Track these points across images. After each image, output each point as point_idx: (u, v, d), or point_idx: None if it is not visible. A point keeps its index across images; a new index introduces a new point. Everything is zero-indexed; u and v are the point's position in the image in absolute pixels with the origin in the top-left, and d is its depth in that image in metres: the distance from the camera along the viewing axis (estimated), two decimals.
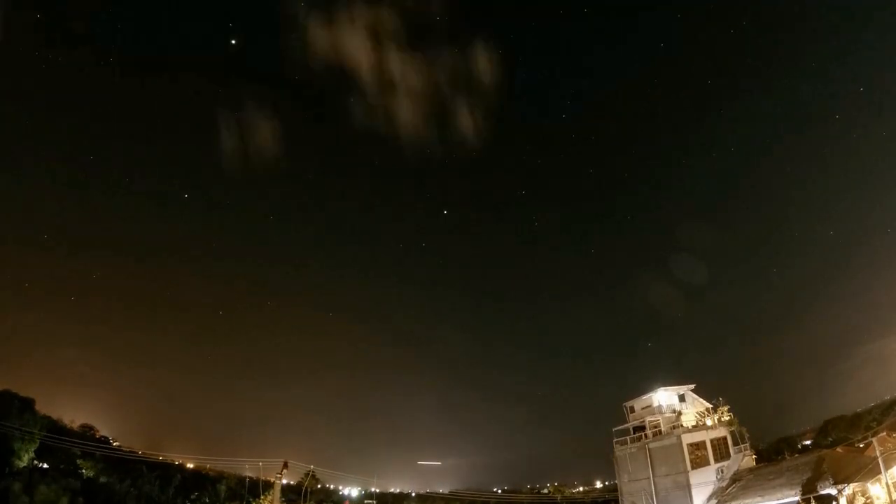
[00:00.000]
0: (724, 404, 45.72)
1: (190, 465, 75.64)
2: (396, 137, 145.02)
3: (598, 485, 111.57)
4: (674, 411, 46.68)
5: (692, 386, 49.09)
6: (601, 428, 56.94)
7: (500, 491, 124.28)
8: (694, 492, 40.59)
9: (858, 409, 78.06)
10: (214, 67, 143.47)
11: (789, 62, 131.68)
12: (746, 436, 44.21)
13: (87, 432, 75.12)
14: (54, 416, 68.52)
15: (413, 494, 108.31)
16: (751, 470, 41.47)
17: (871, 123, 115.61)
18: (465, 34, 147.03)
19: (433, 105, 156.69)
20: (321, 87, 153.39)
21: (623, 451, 48.62)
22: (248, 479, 72.55)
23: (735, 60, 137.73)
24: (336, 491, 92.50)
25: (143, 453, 70.29)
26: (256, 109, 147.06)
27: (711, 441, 42.89)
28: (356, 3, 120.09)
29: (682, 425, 44.14)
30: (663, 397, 48.25)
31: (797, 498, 32.33)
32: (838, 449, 39.62)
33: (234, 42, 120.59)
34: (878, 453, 30.19)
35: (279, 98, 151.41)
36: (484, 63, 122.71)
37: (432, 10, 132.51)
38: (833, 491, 30.96)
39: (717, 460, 42.23)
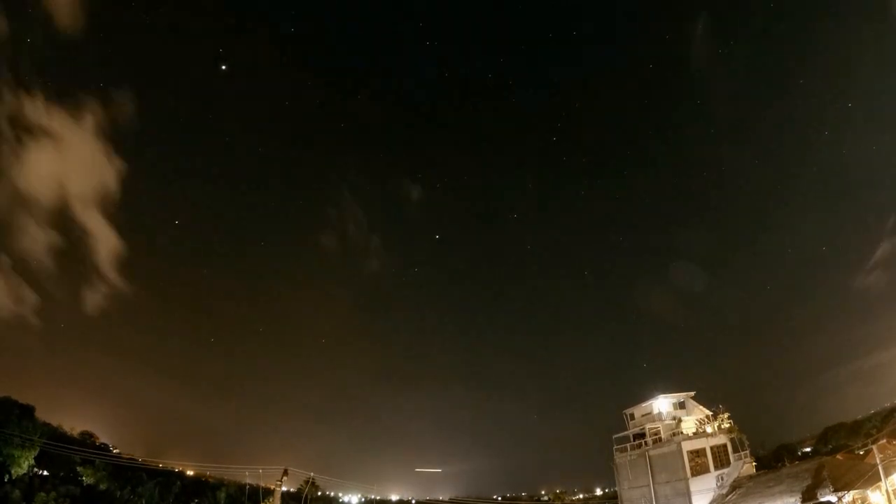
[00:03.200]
0: (724, 411, 45.75)
1: (190, 472, 75.57)
2: None
3: (598, 492, 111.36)
4: (674, 418, 46.80)
5: (692, 393, 49.21)
6: (601, 435, 57.06)
7: (499, 498, 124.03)
8: (694, 499, 40.64)
9: (858, 417, 78.16)
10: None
11: (779, 80, 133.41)
12: (746, 443, 44.21)
13: (86, 439, 75.10)
14: (54, 423, 68.64)
15: (413, 501, 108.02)
16: (751, 477, 41.49)
17: (860, 138, 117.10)
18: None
19: None
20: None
21: (623, 458, 48.67)
22: (248, 486, 72.30)
23: (725, 76, 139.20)
24: (336, 498, 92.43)
25: (142, 460, 70.16)
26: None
27: (711, 448, 42.93)
28: None
29: (682, 432, 44.24)
30: (663, 404, 48.36)
31: None
32: (838, 456, 39.64)
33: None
34: (878, 460, 30.22)
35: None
36: None
37: None
38: (833, 498, 31.03)
39: (717, 467, 42.26)
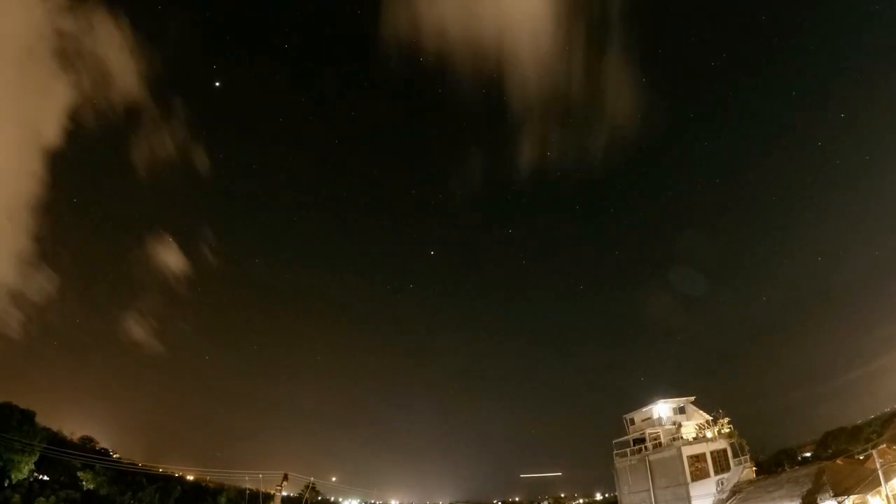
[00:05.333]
0: (724, 416, 45.83)
1: (190, 477, 75.61)
2: None
3: (598, 497, 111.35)
4: (674, 423, 46.81)
5: (692, 398, 49.26)
6: (601, 440, 57.04)
7: (499, 503, 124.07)
8: None
9: (858, 421, 78.00)
10: None
11: (771, 91, 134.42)
12: (746, 448, 44.24)
13: (87, 444, 75.09)
14: (54, 427, 68.65)
15: None
16: (751, 482, 41.53)
17: (852, 149, 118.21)
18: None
19: None
20: None
21: (623, 463, 48.70)
22: (248, 491, 72.52)
23: (718, 89, 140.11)
24: (337, 502, 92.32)
25: (142, 465, 70.28)
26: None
27: (711, 453, 42.96)
28: None
29: (682, 437, 44.25)
30: (663, 409, 48.40)
31: None
32: (838, 461, 39.64)
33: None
34: (878, 465, 30.31)
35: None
36: None
37: None
38: (833, 503, 31.11)
39: (717, 472, 42.29)
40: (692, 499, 40.79)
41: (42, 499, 52.21)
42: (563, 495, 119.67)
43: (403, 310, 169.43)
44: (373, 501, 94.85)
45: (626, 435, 50.25)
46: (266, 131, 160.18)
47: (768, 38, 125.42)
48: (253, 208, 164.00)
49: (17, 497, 50.76)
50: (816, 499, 31.88)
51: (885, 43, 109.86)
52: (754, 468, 45.30)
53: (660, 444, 45.32)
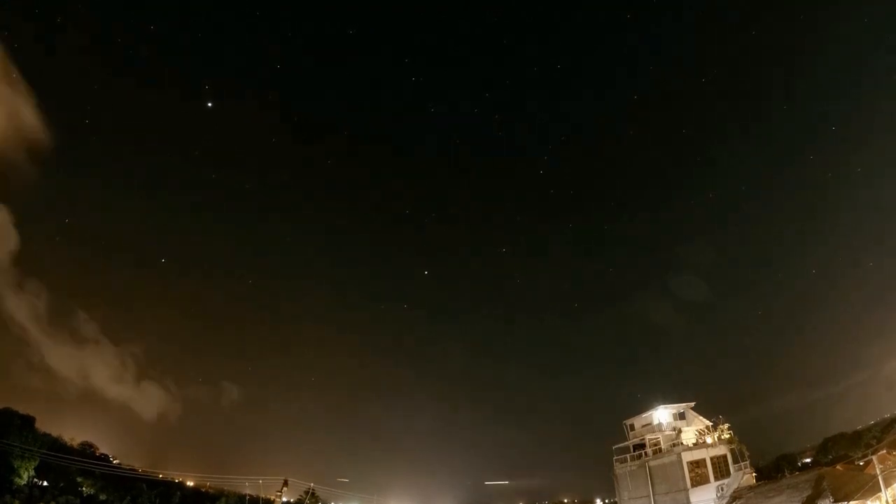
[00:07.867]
0: (724, 422, 45.94)
1: (190, 483, 75.50)
2: None
3: (598, 502, 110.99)
4: (674, 429, 46.91)
5: (692, 404, 49.37)
6: (601, 445, 57.02)
7: None
8: None
9: (859, 427, 78.05)
10: None
11: (765, 104, 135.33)
12: (746, 453, 44.33)
13: (87, 450, 74.90)
14: (54, 433, 68.51)
15: None
16: (751, 487, 41.59)
17: (845, 160, 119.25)
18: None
19: None
20: None
21: (623, 469, 48.77)
22: (248, 497, 72.43)
23: (713, 100, 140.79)
24: None
25: (142, 471, 70.12)
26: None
27: (711, 459, 43.08)
28: None
29: (682, 443, 44.36)
30: (663, 415, 48.49)
31: None
32: (838, 466, 39.73)
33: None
34: (878, 471, 30.44)
35: None
36: None
37: None
38: None
39: (717, 478, 42.39)
40: None
41: None
42: (564, 501, 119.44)
43: (399, 327, 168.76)
44: None
45: (626, 441, 50.34)
46: (261, 151, 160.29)
47: (763, 52, 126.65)
48: (247, 226, 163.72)
49: (17, 502, 50.75)
50: None
51: (879, 54, 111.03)
52: (754, 474, 45.38)
53: (660, 449, 45.44)
